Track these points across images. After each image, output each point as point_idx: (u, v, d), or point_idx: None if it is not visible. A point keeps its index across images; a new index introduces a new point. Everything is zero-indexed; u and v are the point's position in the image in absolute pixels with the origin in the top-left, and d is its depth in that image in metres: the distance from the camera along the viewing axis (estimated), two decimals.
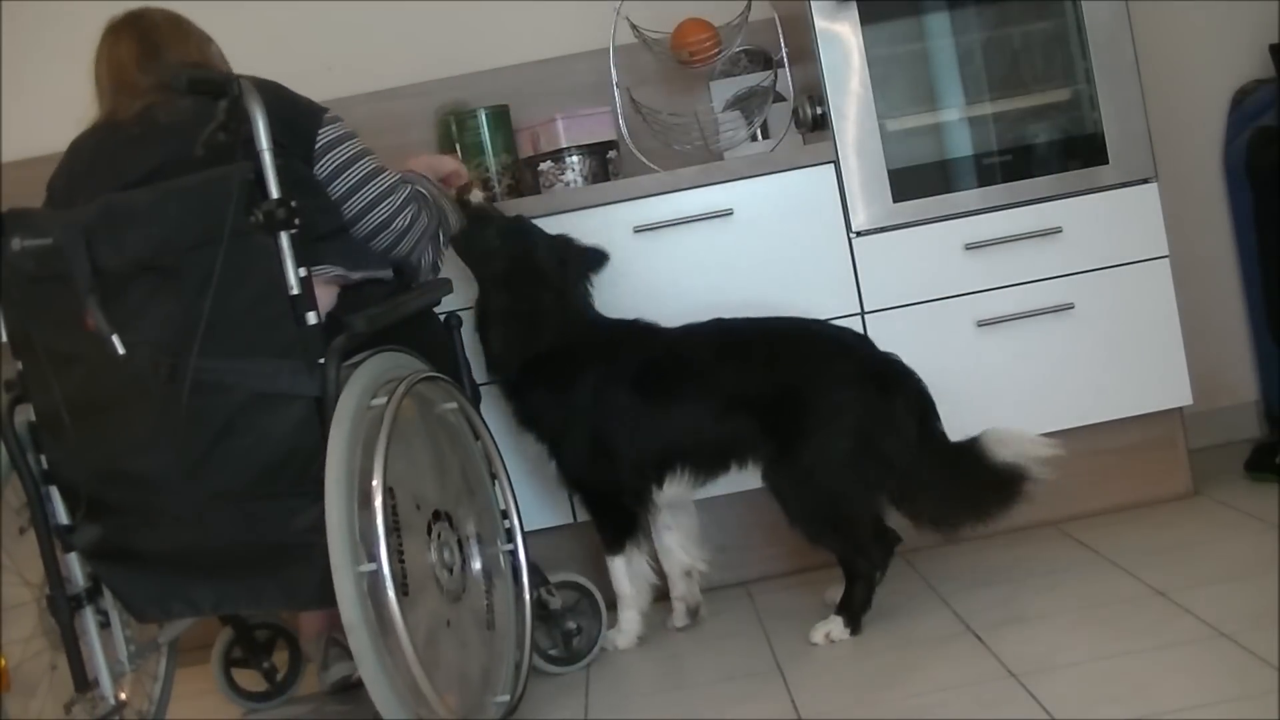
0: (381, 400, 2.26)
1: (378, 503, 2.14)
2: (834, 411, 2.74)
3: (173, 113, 2.41)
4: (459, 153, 3.42)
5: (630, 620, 2.92)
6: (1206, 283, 3.67)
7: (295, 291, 2.22)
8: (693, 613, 2.99)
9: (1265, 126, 3.54)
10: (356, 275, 2.47)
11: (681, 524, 2.97)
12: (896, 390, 2.78)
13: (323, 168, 2.52)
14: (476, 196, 2.91)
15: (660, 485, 2.85)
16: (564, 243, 2.95)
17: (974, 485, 2.75)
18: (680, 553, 2.96)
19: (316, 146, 2.51)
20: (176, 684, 2.71)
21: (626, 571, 2.90)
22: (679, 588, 2.98)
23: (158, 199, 2.25)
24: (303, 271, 2.23)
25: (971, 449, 2.75)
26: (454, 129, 3.44)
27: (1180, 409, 3.25)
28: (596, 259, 2.95)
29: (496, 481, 2.64)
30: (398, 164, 2.76)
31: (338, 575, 2.12)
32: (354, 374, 2.28)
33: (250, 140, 2.21)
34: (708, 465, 2.83)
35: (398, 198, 2.59)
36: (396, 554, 2.24)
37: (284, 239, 2.21)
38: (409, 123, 3.55)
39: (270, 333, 2.23)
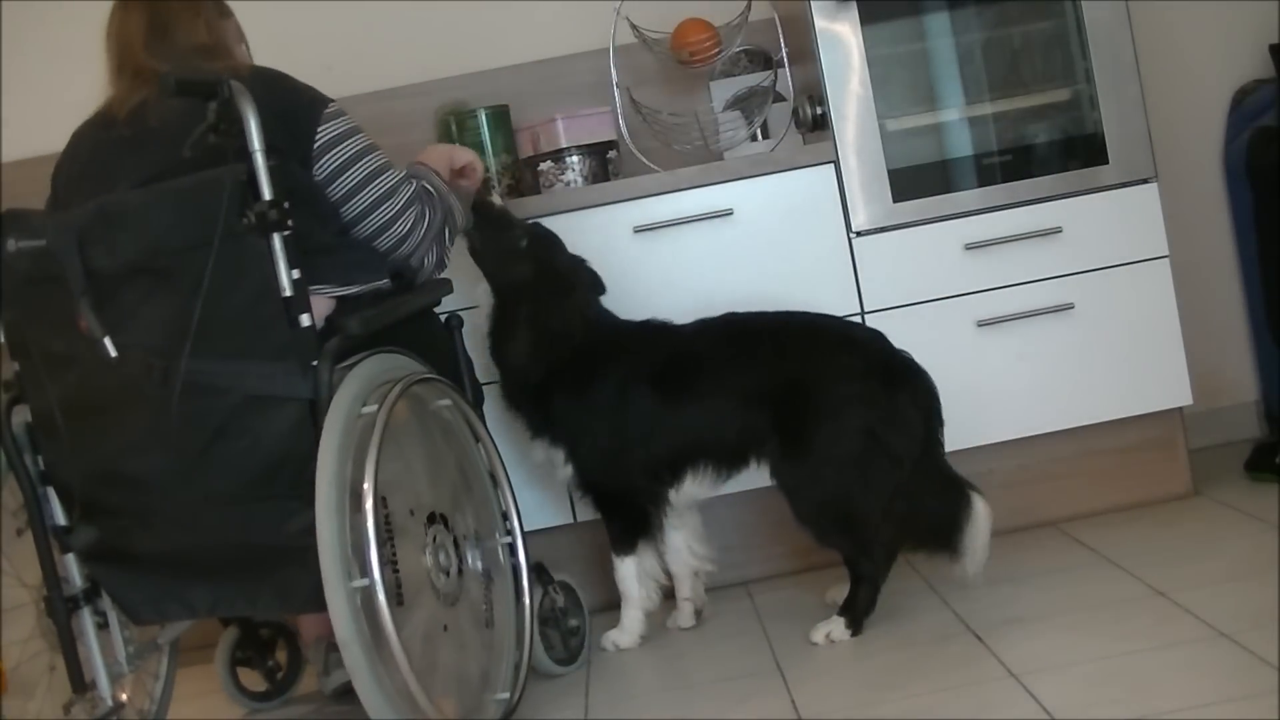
0: (373, 408, 2.23)
1: (370, 516, 2.13)
2: (838, 406, 2.73)
3: (164, 113, 2.39)
4: None
5: (634, 620, 2.91)
6: (1206, 283, 3.67)
7: (288, 293, 2.21)
8: (697, 613, 2.99)
9: (1265, 126, 3.54)
10: (350, 291, 2.43)
11: (688, 523, 2.97)
12: (902, 385, 2.77)
13: (321, 169, 2.48)
14: (497, 199, 2.88)
15: (677, 483, 2.84)
16: (579, 259, 2.93)
17: (932, 517, 2.75)
18: (688, 553, 2.96)
19: (315, 146, 2.46)
20: (178, 684, 2.71)
21: (636, 571, 2.88)
22: (686, 588, 2.98)
23: (150, 201, 2.24)
24: (296, 273, 2.21)
25: (960, 497, 2.74)
26: (454, 129, 3.43)
27: (1180, 409, 3.25)
28: (600, 284, 2.93)
29: (497, 486, 2.62)
30: (407, 160, 2.73)
31: (330, 591, 2.11)
32: (346, 378, 2.26)
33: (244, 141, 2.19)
34: (727, 460, 2.82)
35: (398, 200, 2.54)
36: (390, 564, 2.23)
37: (277, 240, 2.20)
38: (409, 123, 3.55)
39: (264, 335, 2.22)
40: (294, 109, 2.45)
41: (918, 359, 2.83)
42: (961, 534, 2.71)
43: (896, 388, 2.76)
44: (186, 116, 2.23)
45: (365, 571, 2.12)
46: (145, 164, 2.36)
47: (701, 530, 3.00)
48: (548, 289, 2.84)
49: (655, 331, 2.90)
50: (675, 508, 2.88)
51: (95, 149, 2.48)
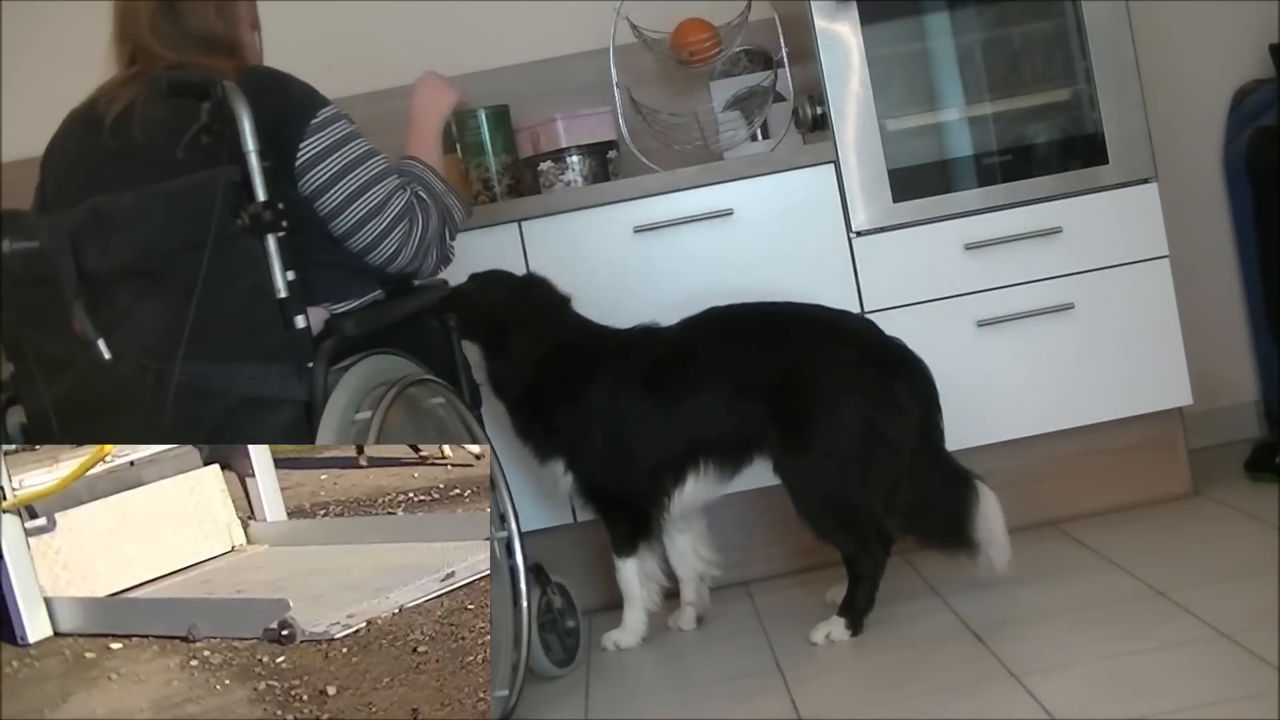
0: (366, 414, 2.22)
1: None
2: (836, 398, 2.72)
3: (148, 124, 2.34)
4: (459, 152, 3.42)
5: (636, 620, 2.91)
6: (1206, 283, 3.67)
7: (283, 295, 2.20)
8: (699, 617, 2.99)
9: (1265, 126, 3.54)
10: (345, 307, 2.40)
11: (694, 527, 2.97)
12: (898, 374, 2.76)
13: (307, 184, 2.40)
14: None
15: (680, 484, 2.83)
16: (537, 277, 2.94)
17: (939, 511, 2.75)
18: (693, 556, 2.96)
19: (298, 164, 2.39)
20: None
21: (638, 573, 2.88)
22: (690, 592, 2.98)
23: (143, 203, 2.22)
24: (291, 275, 2.20)
25: (966, 487, 2.73)
26: (454, 129, 3.43)
27: (1180, 409, 3.25)
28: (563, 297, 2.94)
29: (494, 487, 2.61)
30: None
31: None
32: (340, 382, 2.24)
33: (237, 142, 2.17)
34: (729, 456, 2.81)
35: (386, 216, 2.45)
36: None
37: (271, 242, 2.18)
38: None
39: (259, 336, 2.21)
40: (280, 121, 2.36)
41: None
42: (973, 525, 2.70)
43: (893, 377, 2.75)
44: (171, 131, 2.21)
45: None
46: (128, 179, 2.28)
47: (705, 532, 3.00)
48: (522, 306, 2.86)
49: (644, 335, 2.90)
50: (679, 511, 2.88)
51: (80, 153, 2.44)
